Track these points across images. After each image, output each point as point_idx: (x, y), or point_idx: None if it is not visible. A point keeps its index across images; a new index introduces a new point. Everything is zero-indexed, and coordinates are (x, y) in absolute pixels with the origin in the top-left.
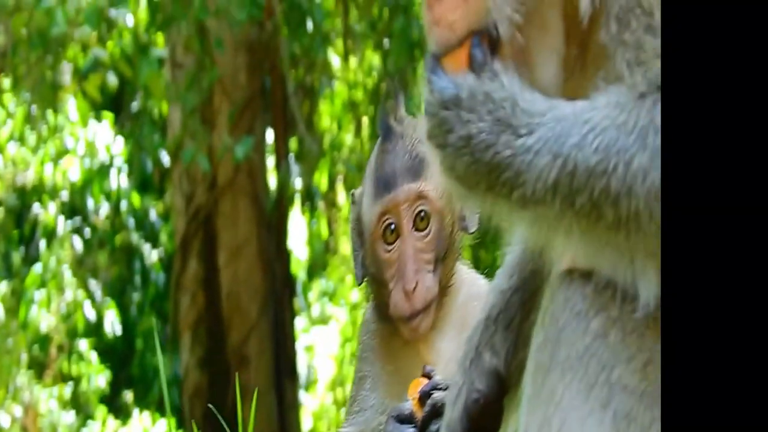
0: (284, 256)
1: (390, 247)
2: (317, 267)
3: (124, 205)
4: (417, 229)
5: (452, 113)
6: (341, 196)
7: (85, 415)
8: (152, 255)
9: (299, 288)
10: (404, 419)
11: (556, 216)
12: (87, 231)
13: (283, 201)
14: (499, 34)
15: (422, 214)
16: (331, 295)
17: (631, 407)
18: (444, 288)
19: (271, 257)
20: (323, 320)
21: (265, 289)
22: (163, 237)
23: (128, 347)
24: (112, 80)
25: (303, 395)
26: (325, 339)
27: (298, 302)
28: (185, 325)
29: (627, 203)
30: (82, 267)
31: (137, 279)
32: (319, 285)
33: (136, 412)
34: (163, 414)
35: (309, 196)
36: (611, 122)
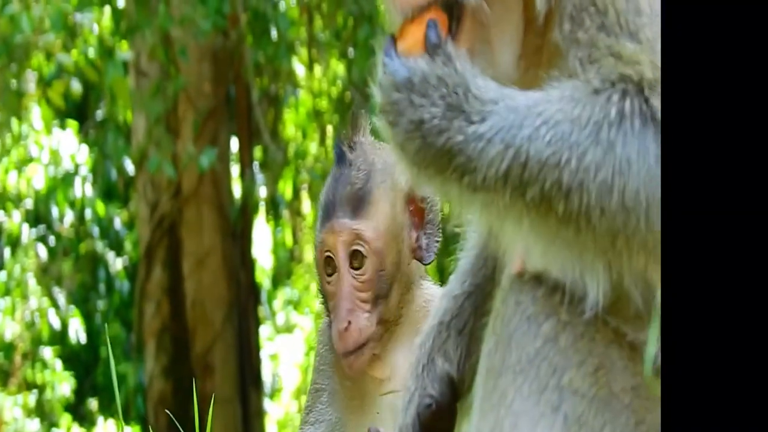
0: (249, 264)
1: (330, 279)
2: (282, 275)
3: (88, 213)
4: (353, 267)
5: (403, 96)
6: (306, 205)
7: (49, 423)
8: (117, 263)
9: (264, 296)
10: None
11: (506, 205)
12: (51, 239)
13: (247, 210)
14: (462, 3)
15: (357, 253)
16: (295, 304)
17: (582, 411)
18: (393, 320)
19: (235, 266)
20: (288, 329)
21: (229, 297)
22: (128, 245)
23: (93, 355)
24: (77, 87)
25: (268, 404)
26: (290, 347)
27: (262, 311)
28: (150, 333)
29: (578, 197)
30: (46, 275)
31: (102, 287)
32: (283, 293)
33: (100, 420)
34: (126, 422)
35: (274, 204)
36: (564, 116)
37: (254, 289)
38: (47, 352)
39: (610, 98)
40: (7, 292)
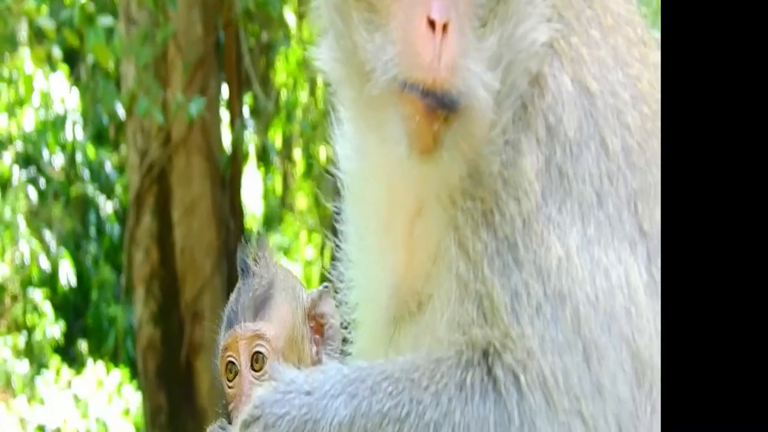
0: (238, 212)
1: (231, 383)
2: (272, 222)
3: (79, 156)
4: (254, 369)
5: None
6: (296, 153)
7: (38, 364)
8: (107, 207)
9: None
10: None
11: None
12: (42, 181)
13: (237, 157)
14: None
15: (258, 355)
16: (286, 251)
17: None
18: None
19: (225, 214)
20: None
21: (218, 245)
22: (119, 189)
23: (83, 298)
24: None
25: None
26: None
27: None
28: (139, 278)
29: None
30: (37, 218)
31: (92, 230)
32: (274, 240)
33: (90, 362)
34: (116, 364)
35: (264, 152)
36: (405, 375)
37: (244, 236)
38: (37, 295)
39: (451, 368)
40: None
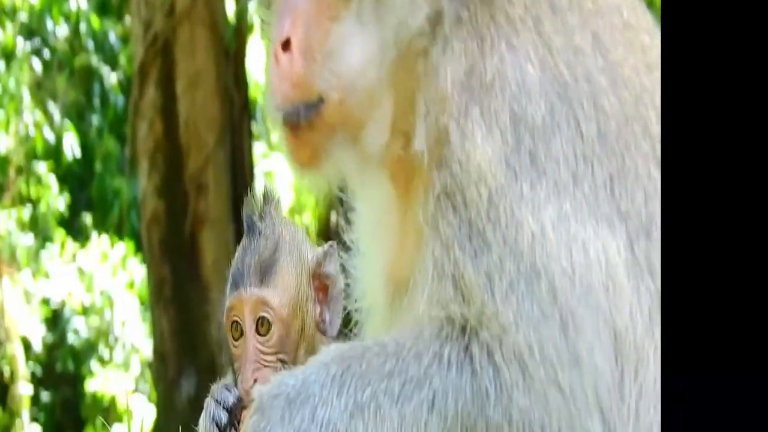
0: (242, 85)
1: (236, 343)
2: None
3: (83, 27)
4: (259, 333)
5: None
6: None
7: (43, 237)
8: (111, 77)
9: (259, 114)
10: None
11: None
12: (46, 52)
13: (241, 29)
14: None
15: (263, 320)
16: None
17: None
18: None
19: (229, 86)
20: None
21: (222, 118)
22: (123, 60)
23: (87, 170)
24: None
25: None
26: (285, 166)
27: (257, 128)
28: (143, 151)
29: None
30: (41, 89)
31: (96, 102)
32: None
33: (94, 235)
34: (121, 237)
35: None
36: (392, 340)
37: (248, 107)
38: (41, 167)
39: (431, 338)
40: (1, 105)
